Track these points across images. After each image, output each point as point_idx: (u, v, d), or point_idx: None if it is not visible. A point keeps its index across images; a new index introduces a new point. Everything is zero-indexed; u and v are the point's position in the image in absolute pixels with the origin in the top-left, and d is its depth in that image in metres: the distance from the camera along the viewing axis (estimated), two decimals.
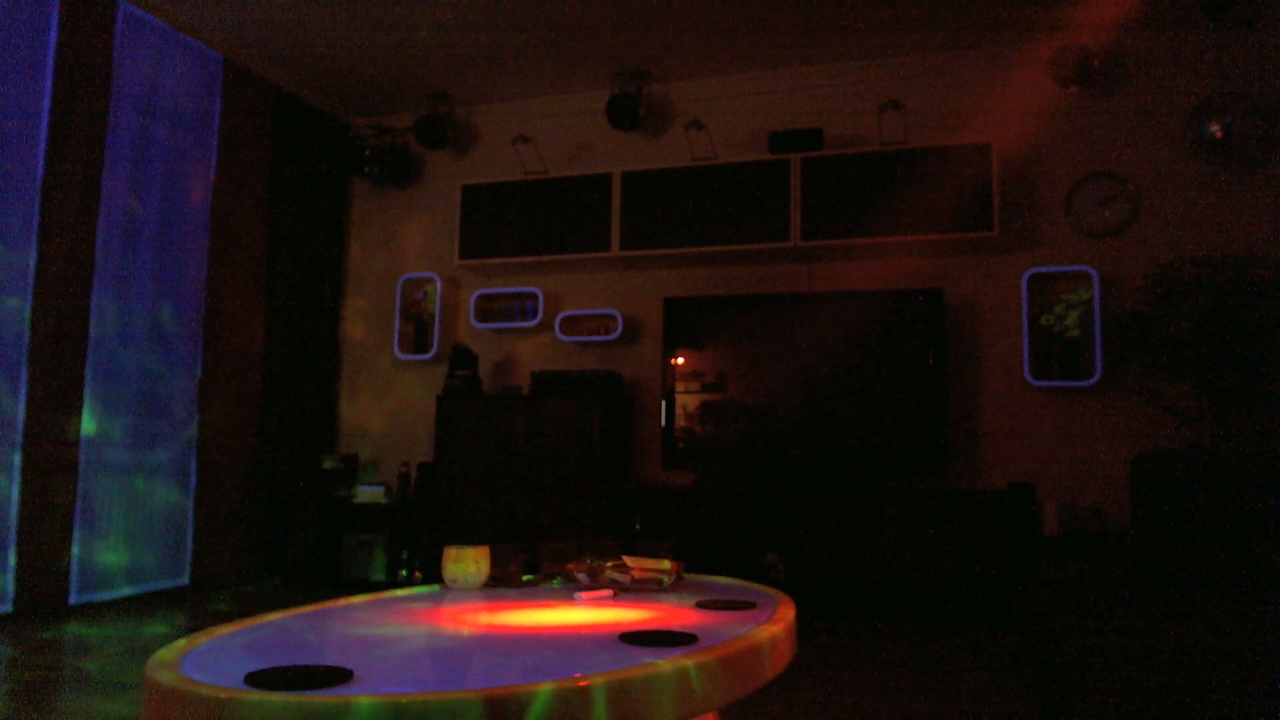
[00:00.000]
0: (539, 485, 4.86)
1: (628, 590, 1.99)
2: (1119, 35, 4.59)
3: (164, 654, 1.33)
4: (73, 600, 4.15)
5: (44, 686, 2.97)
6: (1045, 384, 4.53)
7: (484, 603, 1.90)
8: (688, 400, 4.81)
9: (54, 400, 4.04)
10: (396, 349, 5.66)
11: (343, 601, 1.88)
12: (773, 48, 4.91)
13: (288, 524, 5.22)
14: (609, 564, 2.05)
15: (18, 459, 3.91)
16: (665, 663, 1.27)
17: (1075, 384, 4.47)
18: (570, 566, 2.06)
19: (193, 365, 4.83)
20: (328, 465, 5.40)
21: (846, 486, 4.43)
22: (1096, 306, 4.44)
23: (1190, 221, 4.45)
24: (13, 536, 3.88)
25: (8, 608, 3.86)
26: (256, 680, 1.18)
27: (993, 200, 4.48)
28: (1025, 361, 4.56)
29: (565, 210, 5.21)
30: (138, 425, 4.51)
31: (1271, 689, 1.49)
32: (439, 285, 5.63)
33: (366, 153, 5.74)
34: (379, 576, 5.08)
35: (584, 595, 1.92)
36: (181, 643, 1.41)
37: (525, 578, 2.12)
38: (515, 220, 5.30)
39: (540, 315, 5.35)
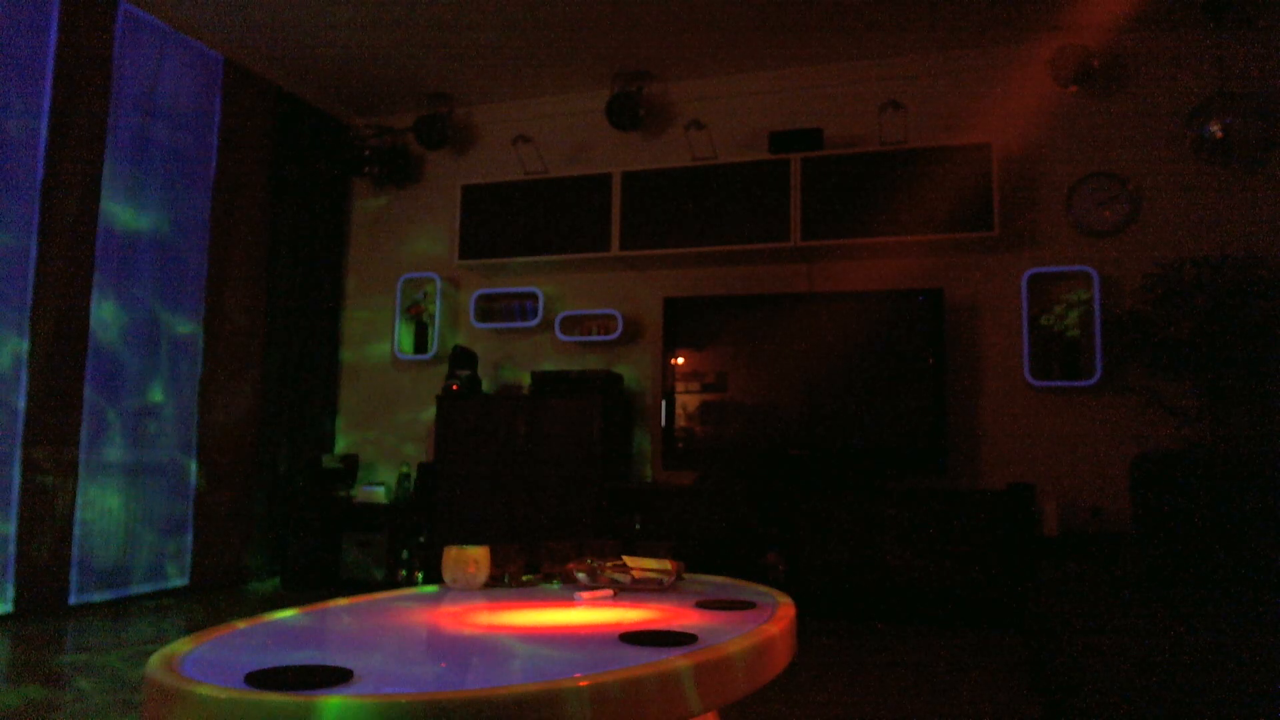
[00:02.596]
0: (539, 485, 4.86)
1: (628, 590, 1.99)
2: (1119, 35, 4.59)
3: (164, 654, 1.33)
4: (73, 600, 4.15)
5: (44, 686, 2.97)
6: (1045, 384, 4.53)
7: (484, 603, 1.90)
8: (688, 400, 4.81)
9: (54, 400, 4.04)
10: (396, 349, 5.66)
11: (343, 601, 1.87)
12: (773, 48, 4.91)
13: (288, 524, 5.22)
14: (609, 564, 2.05)
15: (18, 459, 3.91)
16: (665, 663, 1.27)
17: (1075, 384, 4.47)
18: (570, 566, 2.06)
19: (193, 365, 4.83)
20: (328, 465, 5.40)
21: (847, 486, 4.43)
22: (1096, 306, 4.44)
23: (1190, 221, 4.45)
24: (13, 536, 3.88)
25: (8, 608, 3.86)
26: (256, 680, 1.18)
27: (993, 200, 4.48)
28: (1025, 361, 4.56)
29: (565, 210, 5.21)
30: (138, 425, 4.51)
31: (1271, 689, 1.49)
32: (439, 285, 5.63)
33: (366, 153, 5.74)
34: (379, 576, 5.08)
35: (584, 595, 1.92)
36: (181, 643, 1.41)
37: (525, 578, 2.12)
38: (515, 220, 5.30)
39: (540, 315, 5.35)
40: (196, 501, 4.81)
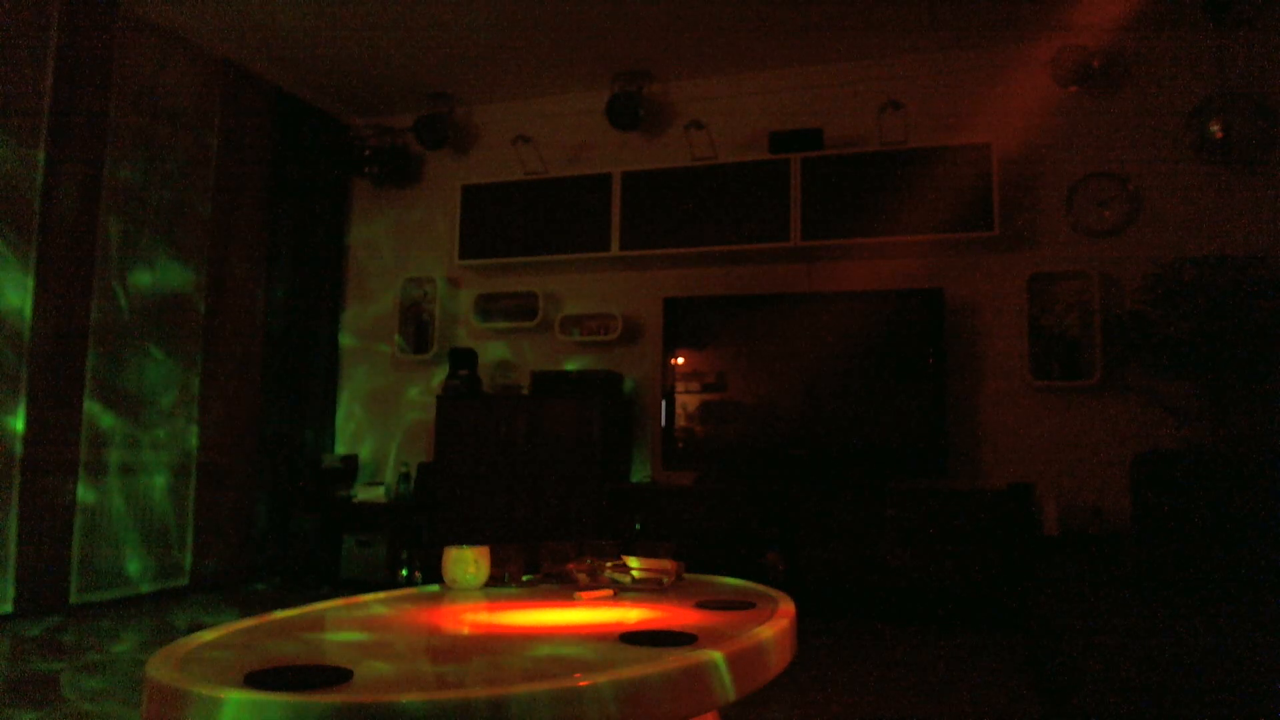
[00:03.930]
0: (539, 485, 4.86)
1: (628, 590, 1.99)
2: (1119, 35, 4.59)
3: (164, 654, 1.33)
4: (73, 600, 4.15)
5: (44, 686, 2.97)
6: (1045, 384, 4.53)
7: (484, 603, 1.90)
8: (688, 400, 4.81)
9: (54, 400, 4.04)
10: (396, 349, 5.66)
11: (343, 601, 1.88)
12: (773, 48, 4.91)
13: (288, 524, 5.22)
14: (609, 564, 2.05)
15: (18, 459, 3.91)
16: (665, 663, 1.27)
17: (1075, 384, 4.47)
18: (570, 566, 2.06)
19: (193, 364, 4.83)
20: (328, 465, 5.40)
21: (847, 486, 4.43)
22: (1097, 306, 4.44)
23: (1190, 221, 4.45)
24: (13, 536, 3.88)
25: (8, 608, 3.86)
26: (256, 680, 1.18)
27: (993, 200, 4.48)
28: (1025, 361, 4.56)
29: (565, 210, 5.21)
30: (138, 425, 4.51)
31: (1271, 689, 1.49)
32: (439, 285, 5.63)
33: (366, 153, 5.74)
34: (379, 576, 5.08)
35: (584, 595, 1.92)
36: (181, 643, 1.41)
37: (525, 578, 2.12)
38: (515, 220, 5.30)
39: (540, 315, 5.35)
40: (196, 501, 4.81)
